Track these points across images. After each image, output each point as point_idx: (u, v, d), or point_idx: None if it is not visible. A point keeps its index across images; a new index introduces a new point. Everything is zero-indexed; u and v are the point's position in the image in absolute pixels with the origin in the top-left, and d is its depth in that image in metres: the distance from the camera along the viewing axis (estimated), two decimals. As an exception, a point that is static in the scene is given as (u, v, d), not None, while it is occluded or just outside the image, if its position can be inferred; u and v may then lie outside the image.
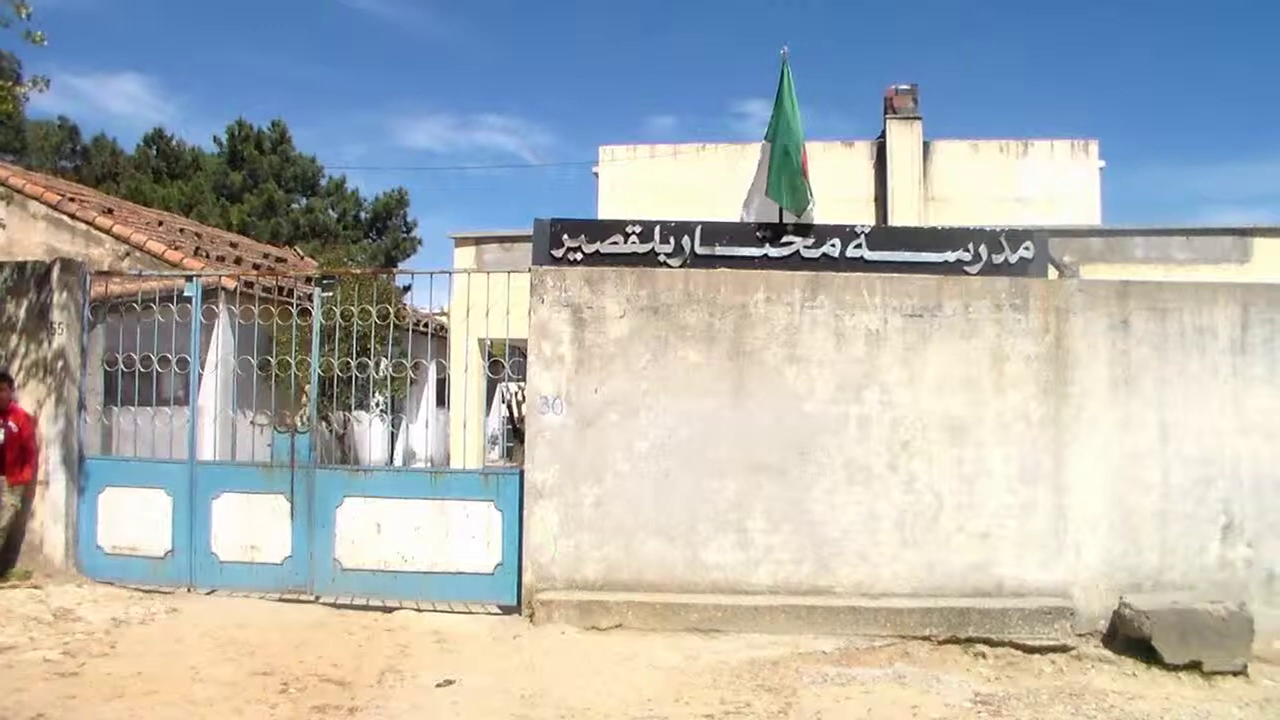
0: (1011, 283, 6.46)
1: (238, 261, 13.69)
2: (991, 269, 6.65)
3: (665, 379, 6.42)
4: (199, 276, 7.45)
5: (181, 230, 15.16)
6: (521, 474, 6.52)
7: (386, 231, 31.44)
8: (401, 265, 28.84)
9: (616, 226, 6.95)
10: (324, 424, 11.22)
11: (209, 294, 8.95)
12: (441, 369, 8.95)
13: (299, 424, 6.93)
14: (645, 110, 61.06)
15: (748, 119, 59.18)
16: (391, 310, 7.66)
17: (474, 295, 6.86)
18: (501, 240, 12.25)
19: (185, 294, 7.25)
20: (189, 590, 6.82)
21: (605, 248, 6.83)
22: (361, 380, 7.23)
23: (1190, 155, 57.74)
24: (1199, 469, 6.31)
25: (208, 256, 12.46)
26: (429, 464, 9.02)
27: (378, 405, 10.82)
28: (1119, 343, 6.38)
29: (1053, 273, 7.04)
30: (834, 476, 6.32)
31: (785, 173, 6.76)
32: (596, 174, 14.89)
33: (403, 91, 60.64)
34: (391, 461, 11.64)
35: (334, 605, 6.57)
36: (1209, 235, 11.77)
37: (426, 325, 14.31)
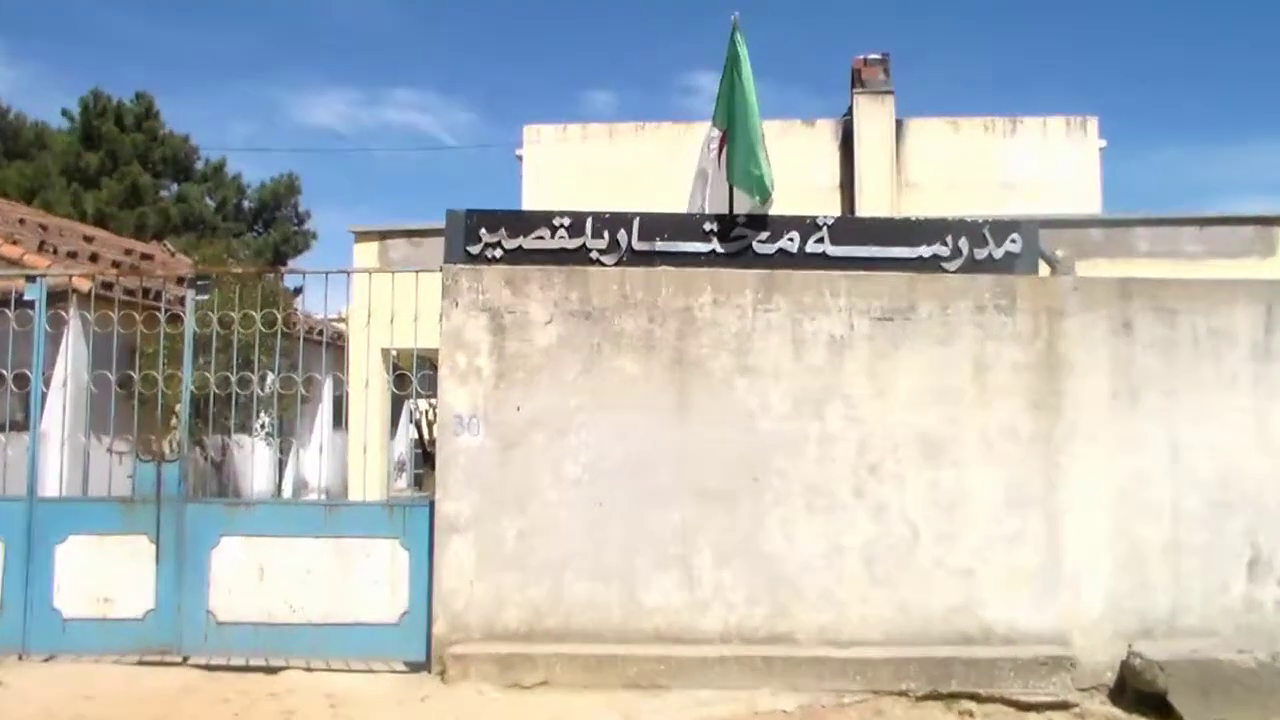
0: (996, 281, 6.75)
1: (93, 258, 13.62)
2: (973, 265, 6.95)
3: (599, 393, 6.61)
4: (44, 276, 7.47)
5: (22, 221, 15.03)
6: (432, 505, 6.66)
7: (275, 224, 31.30)
8: (292, 263, 28.72)
9: (542, 219, 7.15)
10: (198, 450, 11.22)
11: (57, 297, 8.92)
12: (339, 384, 9.05)
13: (167, 451, 6.99)
14: (579, 84, 61.55)
15: (696, 93, 59.96)
16: (280, 316, 7.74)
17: (377, 298, 6.99)
18: (410, 235, 12.39)
19: (26, 297, 7.23)
20: (20, 658, 6.72)
21: (529, 243, 7.03)
22: (244, 398, 7.29)
23: (1205, 134, 59.30)
24: (1217, 493, 6.58)
25: (55, 252, 12.40)
26: (323, 495, 9.06)
27: (263, 428, 10.82)
28: (1121, 349, 6.68)
29: (1044, 269, 7.35)
30: (792, 504, 6.55)
31: (746, 156, 7.00)
32: (520, 157, 15.08)
33: (296, 60, 60.42)
34: (279, 493, 11.63)
35: (207, 667, 6.60)
36: (1226, 225, 12.19)
37: (321, 334, 14.29)
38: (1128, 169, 51.21)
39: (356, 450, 8.15)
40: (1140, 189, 53.83)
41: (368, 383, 7.27)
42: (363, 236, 12.69)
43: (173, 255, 19.55)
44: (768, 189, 7.01)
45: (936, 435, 6.60)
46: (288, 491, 12.93)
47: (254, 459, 10.68)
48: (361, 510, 7.02)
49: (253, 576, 6.74)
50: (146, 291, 12.38)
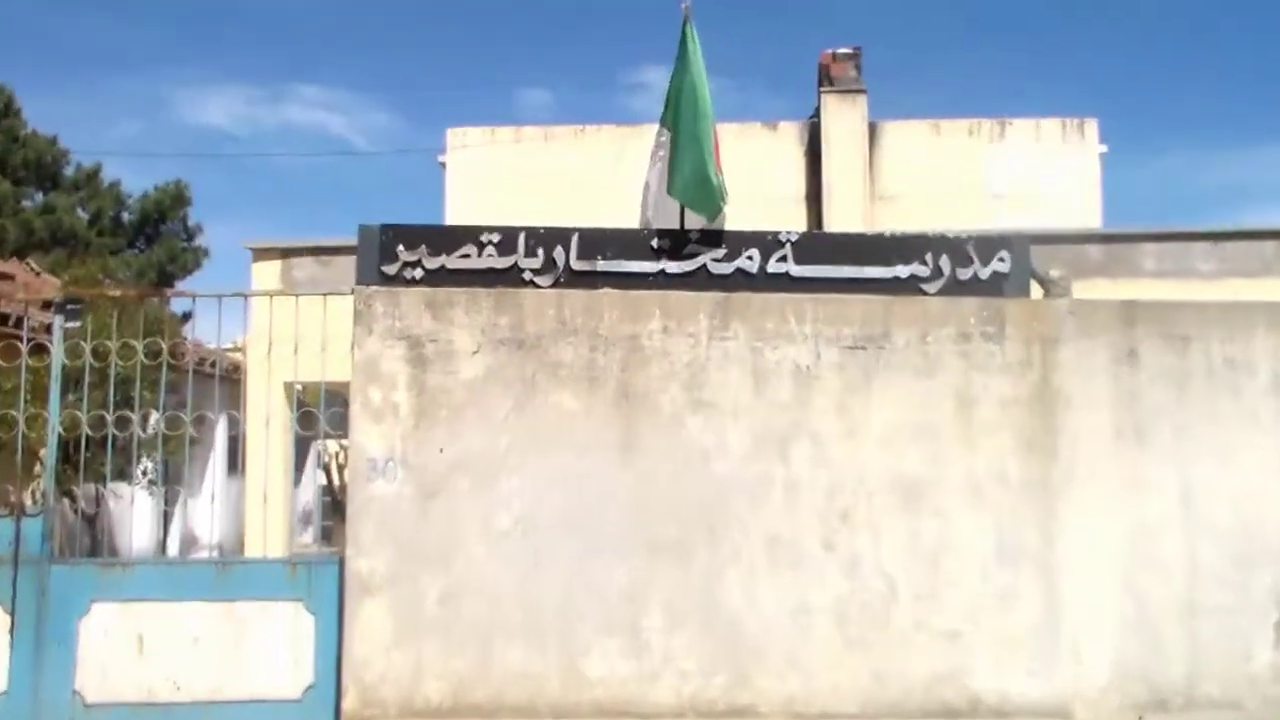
0: (982, 305, 6.98)
1: (-59, 279, 13.49)
2: (956, 287, 7.18)
3: (534, 432, 6.74)
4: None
5: None
6: (342, 563, 6.72)
7: (159, 239, 31.05)
8: (180, 285, 28.51)
9: (468, 235, 7.29)
10: (66, 502, 11.13)
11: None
12: (235, 424, 9.03)
13: (28, 503, 6.97)
14: (511, 81, 61.86)
15: (644, 92, 60.58)
16: (165, 346, 7.76)
17: (279, 325, 7.03)
18: (317, 252, 12.49)
19: None
20: None
21: (454, 262, 7.18)
22: (122, 441, 7.31)
23: (1217, 137, 60.30)
24: (1238, 545, 6.79)
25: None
26: (215, 552, 9.05)
27: (145, 474, 10.76)
28: (1125, 380, 6.92)
29: (1037, 291, 7.55)
30: (754, 557, 6.69)
31: (692, 164, 7.20)
32: (443, 165, 15.22)
33: (187, 52, 60.06)
34: (164, 550, 11.56)
35: (72, 757, 6.54)
36: (1244, 240, 12.47)
37: (214, 366, 14.23)
38: (1131, 177, 51.97)
39: (255, 499, 8.18)
40: (1145, 199, 54.76)
41: (268, 421, 7.29)
42: (262, 254, 12.76)
43: (37, 275, 19.39)
44: (717, 202, 7.20)
45: (917, 479, 6.78)
46: (173, 549, 12.85)
47: (133, 511, 10.64)
48: (259, 569, 7.05)
49: (130, 648, 6.73)
50: (5, 318, 12.33)
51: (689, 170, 7.27)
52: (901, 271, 7.23)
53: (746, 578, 6.67)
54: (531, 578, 6.63)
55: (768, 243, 7.26)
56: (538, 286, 7.08)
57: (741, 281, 7.14)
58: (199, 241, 31.82)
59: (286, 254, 12.68)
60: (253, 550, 10.40)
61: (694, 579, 6.66)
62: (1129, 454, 6.83)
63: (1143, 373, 6.90)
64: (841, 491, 6.76)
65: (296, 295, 7.30)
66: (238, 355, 14.49)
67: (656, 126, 8.02)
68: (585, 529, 6.67)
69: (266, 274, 12.55)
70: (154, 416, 7.58)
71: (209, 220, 48.18)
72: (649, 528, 6.68)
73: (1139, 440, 6.85)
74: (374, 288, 6.95)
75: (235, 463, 14.17)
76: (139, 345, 7.23)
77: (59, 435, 7.12)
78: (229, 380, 15.04)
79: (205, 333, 22.35)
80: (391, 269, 7.13)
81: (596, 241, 7.25)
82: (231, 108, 61.05)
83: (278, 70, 61.29)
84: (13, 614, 6.75)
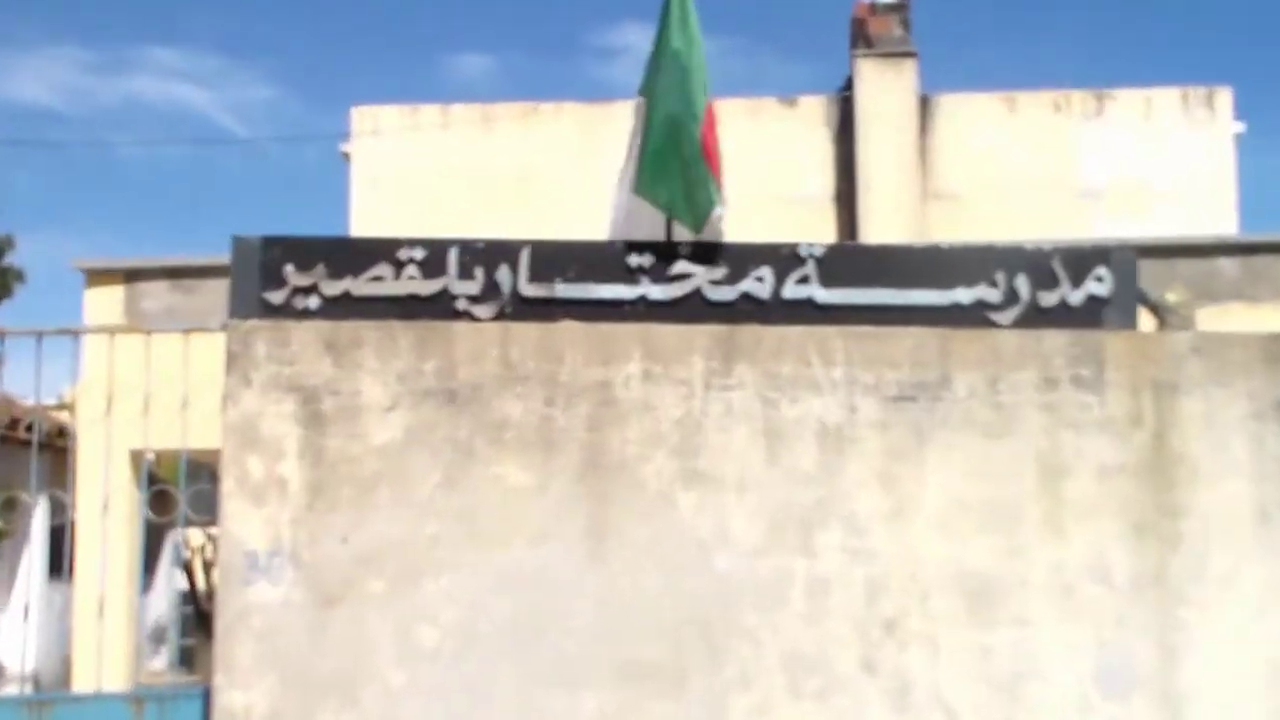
0: (1074, 340, 7.11)
1: None
2: (1037, 316, 7.33)
3: (470, 516, 6.85)
4: None
5: None
6: (209, 696, 6.79)
7: (-46, 255, 31.15)
8: (-17, 318, 28.58)
9: (382, 250, 7.40)
10: None
11: None
12: (60, 509, 9.10)
13: None
14: (438, 43, 61.55)
15: (619, 58, 60.45)
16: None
17: (123, 373, 7.17)
18: (175, 274, 12.62)
19: None
20: None
21: (362, 287, 7.28)
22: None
23: None
24: None
25: None
26: (28, 687, 9.09)
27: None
28: (1271, 441, 7.06)
29: (1148, 322, 7.74)
30: (768, 683, 6.78)
31: (673, 155, 7.35)
32: (347, 156, 15.37)
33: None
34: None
35: None
36: None
37: (30, 430, 14.37)
38: (1274, 164, 51.73)
39: (87, 612, 8.23)
40: None
41: (106, 504, 7.39)
42: (99, 277, 12.89)
43: None
44: (707, 204, 7.32)
45: (987, 576, 6.89)
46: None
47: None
48: (91, 707, 7.13)
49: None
50: None
51: (669, 163, 7.41)
52: (963, 296, 7.36)
53: (758, 712, 6.76)
54: (468, 716, 6.72)
55: (784, 258, 7.37)
56: (475, 319, 7.20)
57: (749, 311, 7.25)
58: (9, 259, 31.93)
59: (132, 276, 12.77)
60: (83, 682, 10.36)
61: (688, 712, 6.75)
62: (1278, 542, 6.97)
63: (1297, 431, 7.04)
64: (886, 593, 6.86)
65: (147, 332, 7.40)
66: (64, 415, 14.60)
67: (635, 104, 8.14)
68: (540, 647, 6.75)
69: (105, 303, 12.64)
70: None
71: (24, 231, 48.03)
72: (626, 645, 6.77)
73: (1292, 523, 6.98)
74: (254, 322, 7.03)
75: (59, 563, 14.21)
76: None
77: None
78: (51, 449, 15.08)
79: (18, 384, 22.35)
80: (278, 297, 7.21)
81: (555, 258, 7.35)
82: (57, 77, 61.05)
83: (120, 28, 61.30)
84: None
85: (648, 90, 7.79)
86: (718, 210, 7.36)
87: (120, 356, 7.24)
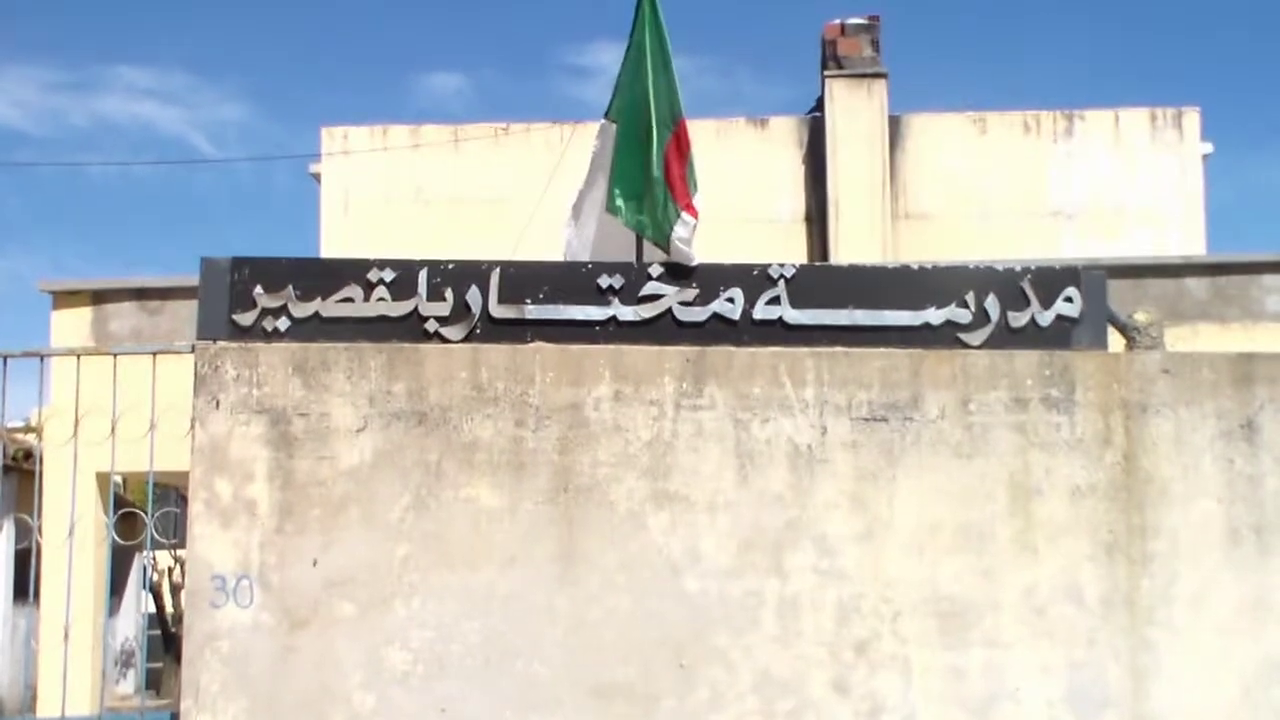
0: (1044, 361, 7.14)
1: None
2: (1008, 336, 7.33)
3: (440, 539, 6.84)
4: None
5: None
6: (175, 720, 6.78)
7: (-81, 276, 31.03)
8: (-51, 341, 28.47)
9: (351, 271, 7.38)
10: None
11: None
12: (25, 533, 9.06)
13: None
14: (409, 64, 61.40)
15: (590, 77, 60.49)
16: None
17: (90, 395, 7.11)
18: (143, 296, 12.60)
19: None
20: None
21: (332, 308, 7.26)
22: None
23: None
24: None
25: None
26: (-5, 714, 9.09)
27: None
28: (1240, 461, 7.07)
29: (1117, 342, 7.79)
30: (739, 705, 6.78)
31: (640, 173, 7.42)
32: (317, 176, 15.34)
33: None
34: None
35: None
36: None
37: (-3, 453, 14.29)
38: (1243, 185, 51.87)
39: (52, 636, 8.18)
40: (1265, 215, 54.86)
41: (73, 528, 7.36)
42: (66, 299, 12.87)
43: None
44: (668, 219, 7.36)
45: (958, 598, 6.90)
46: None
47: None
48: (59, 732, 7.10)
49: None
50: None
51: (637, 181, 7.48)
52: (934, 317, 7.35)
53: (730, 733, 6.77)
54: (438, 738, 6.71)
55: (754, 279, 7.37)
56: (445, 340, 7.19)
57: (720, 331, 7.26)
58: (-27, 280, 31.86)
59: (100, 298, 12.76)
60: (48, 707, 10.23)
61: (660, 735, 6.77)
62: (1249, 563, 6.97)
63: (1266, 452, 7.07)
64: (858, 614, 6.86)
65: (114, 354, 7.36)
66: (29, 438, 14.56)
67: (601, 125, 8.18)
68: (511, 670, 6.75)
69: (71, 325, 12.67)
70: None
71: (-10, 250, 47.90)
72: (597, 668, 6.77)
73: (1261, 545, 6.99)
74: (222, 344, 7.03)
75: (24, 586, 14.11)
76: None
77: None
78: (17, 471, 15.00)
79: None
80: (247, 318, 7.19)
81: (525, 279, 7.35)
82: (22, 97, 60.86)
83: (89, 47, 61.09)
84: None
85: (616, 113, 7.80)
86: (680, 229, 7.36)
87: (87, 378, 7.20)
